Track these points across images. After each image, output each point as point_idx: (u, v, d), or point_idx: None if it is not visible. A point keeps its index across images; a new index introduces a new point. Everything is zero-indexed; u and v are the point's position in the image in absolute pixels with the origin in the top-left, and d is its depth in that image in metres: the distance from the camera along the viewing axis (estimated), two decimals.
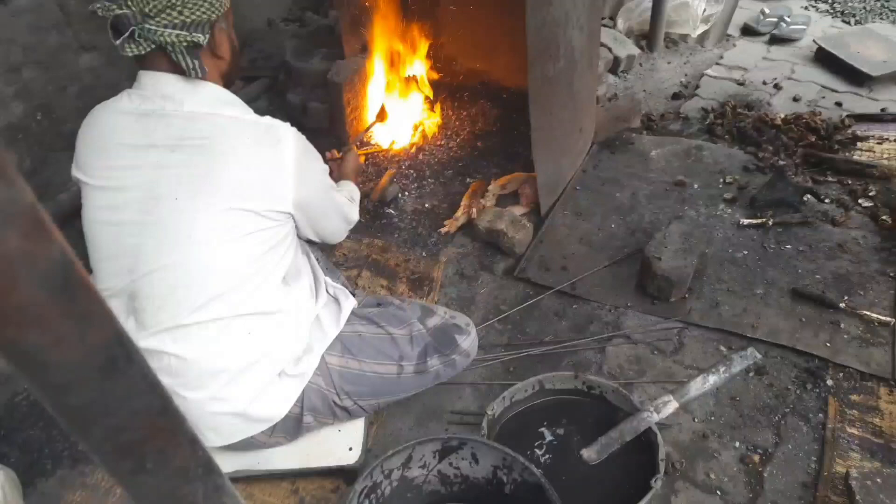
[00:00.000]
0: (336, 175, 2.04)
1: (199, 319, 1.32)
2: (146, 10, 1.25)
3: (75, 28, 2.51)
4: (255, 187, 1.32)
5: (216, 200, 1.29)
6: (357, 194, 1.92)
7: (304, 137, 1.44)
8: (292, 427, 1.53)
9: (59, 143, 2.53)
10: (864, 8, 4.15)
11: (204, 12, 1.30)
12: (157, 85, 1.32)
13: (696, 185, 2.61)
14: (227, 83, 1.45)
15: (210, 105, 1.34)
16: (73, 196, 2.32)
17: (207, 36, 1.32)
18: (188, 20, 1.28)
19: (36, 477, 1.66)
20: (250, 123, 1.36)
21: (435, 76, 3.14)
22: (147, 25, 1.25)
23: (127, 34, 1.25)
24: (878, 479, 1.43)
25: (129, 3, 1.25)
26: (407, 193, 2.69)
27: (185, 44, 1.28)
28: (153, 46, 1.28)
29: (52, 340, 0.41)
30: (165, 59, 1.30)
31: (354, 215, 1.79)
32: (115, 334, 0.46)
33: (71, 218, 2.11)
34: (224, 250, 1.31)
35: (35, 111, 2.47)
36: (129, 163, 1.32)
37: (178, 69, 1.31)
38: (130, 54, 1.28)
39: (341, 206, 1.68)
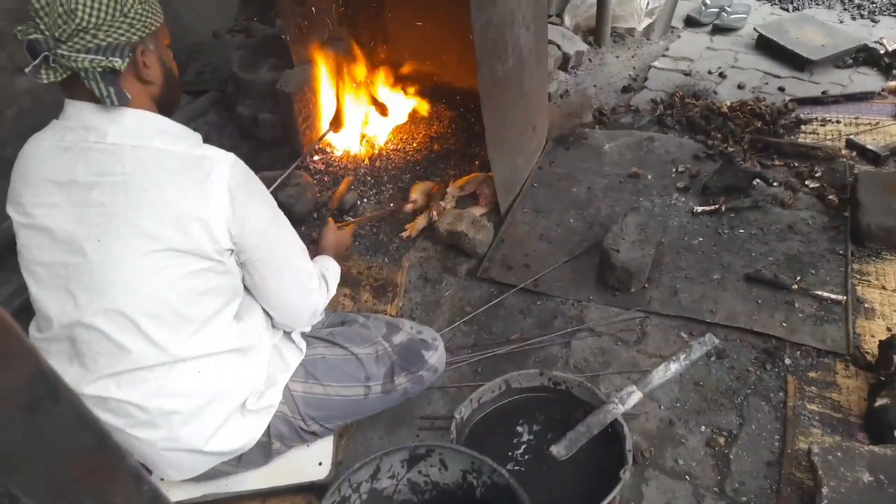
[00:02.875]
0: (314, 250, 1.84)
1: (140, 365, 1.25)
2: (57, 34, 1.16)
3: (9, 49, 2.43)
4: (183, 226, 1.22)
5: (139, 242, 1.20)
6: (334, 272, 1.70)
7: (244, 168, 1.32)
8: (261, 456, 1.49)
9: None
10: None
11: (123, 34, 1.20)
12: (81, 115, 1.24)
13: (649, 176, 2.65)
14: (166, 110, 1.34)
15: (136, 136, 1.23)
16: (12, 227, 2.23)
17: (127, 59, 1.21)
18: (104, 44, 1.18)
19: None
20: (178, 156, 1.24)
21: (387, 83, 3.13)
22: (60, 51, 1.16)
23: (40, 60, 1.16)
24: (839, 453, 1.47)
25: (42, 26, 1.16)
26: (365, 200, 2.67)
27: (99, 70, 1.18)
28: (68, 73, 1.18)
29: None
30: (82, 86, 1.20)
31: (320, 296, 1.54)
32: (37, 372, 0.44)
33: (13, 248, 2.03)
34: (156, 295, 1.23)
35: None
36: (52, 200, 1.23)
37: (95, 97, 1.21)
38: (45, 81, 1.18)
39: (300, 271, 1.46)
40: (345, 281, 2.28)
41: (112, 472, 0.52)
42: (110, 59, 1.18)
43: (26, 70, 1.18)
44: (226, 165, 1.26)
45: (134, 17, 1.22)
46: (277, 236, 1.40)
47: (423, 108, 3.10)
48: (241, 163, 1.31)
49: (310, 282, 1.50)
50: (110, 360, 1.25)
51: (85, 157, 1.22)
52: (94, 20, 1.17)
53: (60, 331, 1.26)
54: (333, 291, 1.64)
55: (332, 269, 1.71)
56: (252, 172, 1.35)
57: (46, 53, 1.16)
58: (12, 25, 2.47)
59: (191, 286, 1.26)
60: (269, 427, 1.45)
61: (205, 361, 1.31)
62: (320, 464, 1.59)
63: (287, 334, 1.56)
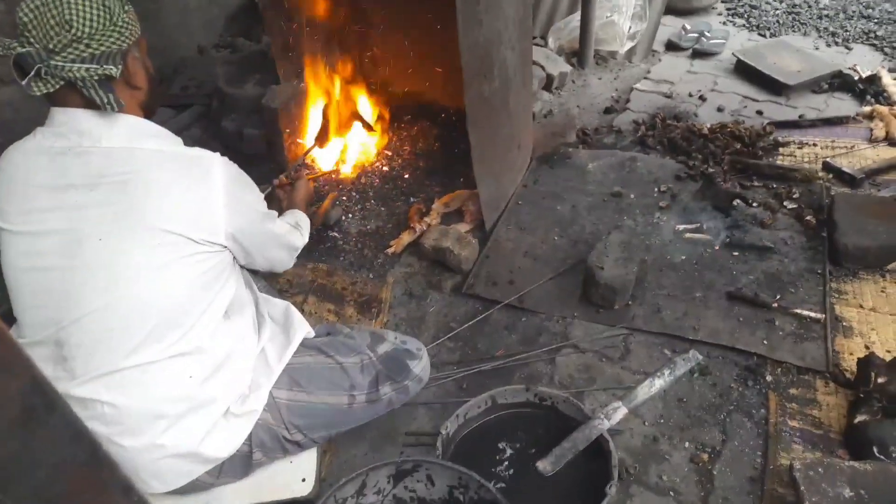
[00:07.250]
0: (285, 204, 2.03)
1: (135, 363, 1.26)
2: (50, 45, 1.18)
3: None
4: (183, 220, 1.27)
5: (143, 236, 1.24)
6: (305, 221, 1.89)
7: (234, 166, 1.41)
8: (241, 466, 1.47)
9: None
10: (777, 21, 4.40)
11: (114, 42, 1.24)
12: (72, 121, 1.26)
13: (632, 196, 2.69)
14: (148, 113, 1.39)
15: (129, 139, 1.27)
16: None
17: (120, 67, 1.26)
18: (97, 52, 1.21)
19: None
20: (174, 156, 1.30)
21: (372, 100, 3.14)
22: (53, 62, 1.18)
23: (33, 73, 1.17)
24: (820, 469, 1.48)
25: (31, 39, 1.17)
26: (350, 215, 2.68)
27: (96, 78, 1.22)
28: (62, 83, 1.21)
29: None
30: (77, 94, 1.23)
31: (299, 241, 1.76)
32: (32, 382, 0.43)
33: None
34: (157, 286, 1.26)
35: None
36: (46, 205, 1.25)
37: (91, 104, 1.24)
38: (38, 93, 1.20)
39: (282, 236, 1.64)
40: (328, 297, 2.27)
41: (105, 485, 0.51)
42: (105, 67, 1.22)
43: (22, 82, 1.18)
44: (220, 163, 1.34)
45: (122, 26, 1.26)
46: (264, 221, 1.53)
47: (409, 125, 3.13)
48: (228, 160, 1.39)
49: (292, 241, 1.71)
50: (105, 358, 1.24)
51: (82, 160, 1.24)
52: (87, 30, 1.19)
53: (49, 335, 1.25)
54: (306, 238, 1.83)
55: (303, 220, 1.89)
56: (238, 167, 1.43)
57: (39, 65, 1.17)
58: None
59: (195, 275, 1.30)
60: (250, 436, 1.44)
61: (196, 361, 1.32)
62: (304, 480, 1.57)
63: (274, 339, 1.56)
